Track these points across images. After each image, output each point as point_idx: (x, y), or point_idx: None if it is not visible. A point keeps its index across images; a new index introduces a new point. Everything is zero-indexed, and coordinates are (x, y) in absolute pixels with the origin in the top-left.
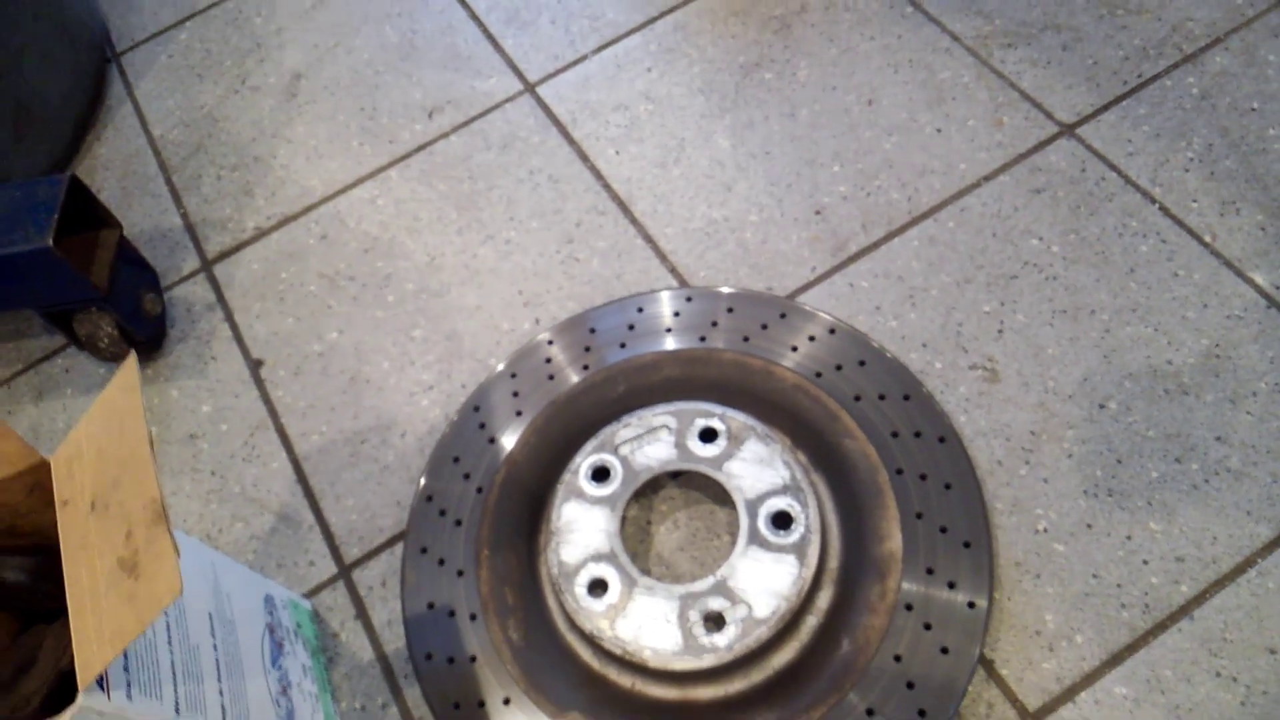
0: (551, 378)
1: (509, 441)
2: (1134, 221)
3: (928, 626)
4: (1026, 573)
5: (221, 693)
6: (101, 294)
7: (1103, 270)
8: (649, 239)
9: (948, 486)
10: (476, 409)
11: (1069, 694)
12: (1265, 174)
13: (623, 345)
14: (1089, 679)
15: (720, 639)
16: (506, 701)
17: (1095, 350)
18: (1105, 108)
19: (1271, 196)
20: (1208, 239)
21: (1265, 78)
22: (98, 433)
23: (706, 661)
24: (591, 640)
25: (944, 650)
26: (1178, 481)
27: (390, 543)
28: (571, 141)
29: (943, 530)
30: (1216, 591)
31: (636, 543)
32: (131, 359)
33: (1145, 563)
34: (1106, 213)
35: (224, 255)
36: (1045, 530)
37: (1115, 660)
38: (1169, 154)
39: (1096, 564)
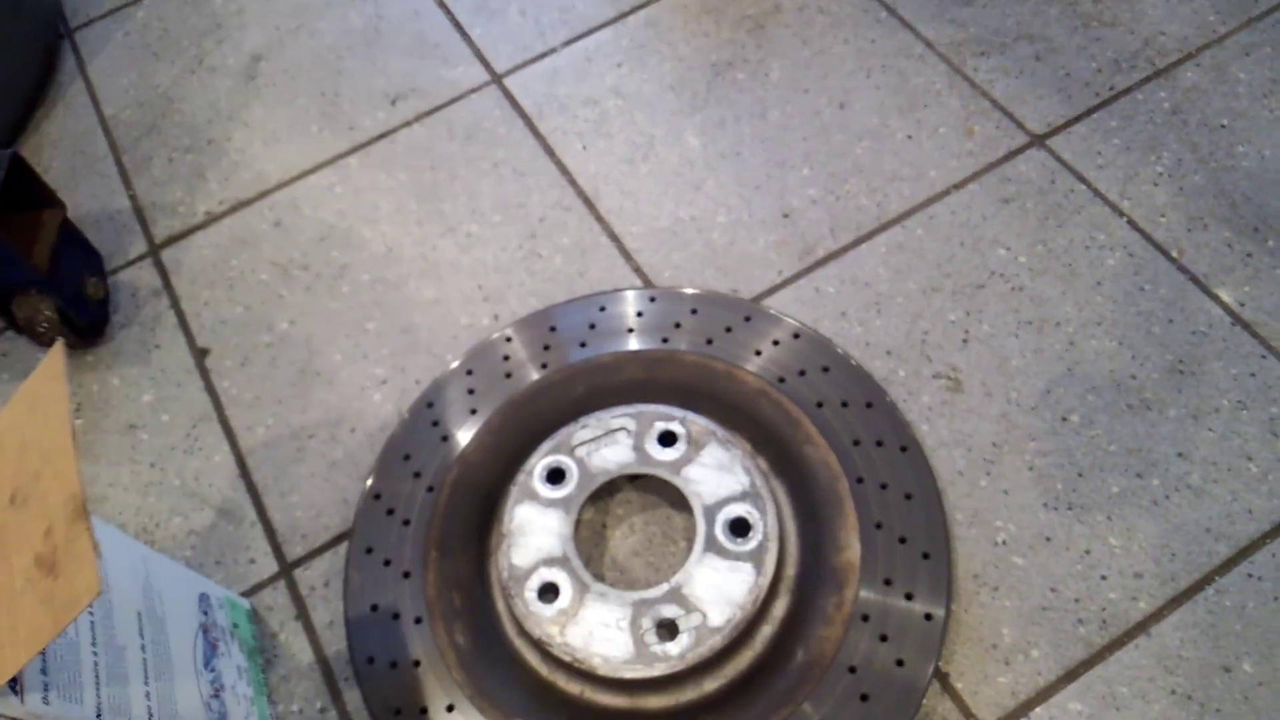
0: (509, 376)
1: (462, 440)
2: (1102, 235)
3: (884, 638)
4: (984, 585)
5: (148, 695)
6: (41, 276)
7: (1069, 282)
8: (614, 237)
9: (908, 496)
10: (430, 405)
11: (1024, 709)
12: (1233, 190)
13: (583, 344)
14: (1044, 694)
15: (673, 647)
16: (450, 708)
17: (1059, 362)
18: (1076, 119)
19: (1239, 214)
20: (1175, 254)
21: (1235, 94)
22: (20, 423)
23: (658, 670)
24: (540, 646)
25: (899, 663)
26: (1138, 496)
27: (335, 541)
28: (538, 135)
29: (902, 541)
30: (1174, 609)
31: (591, 547)
32: (59, 346)
33: (1104, 578)
34: (1075, 225)
35: (173, 240)
36: (1004, 543)
37: (1071, 676)
38: (1139, 168)
39: (1055, 578)
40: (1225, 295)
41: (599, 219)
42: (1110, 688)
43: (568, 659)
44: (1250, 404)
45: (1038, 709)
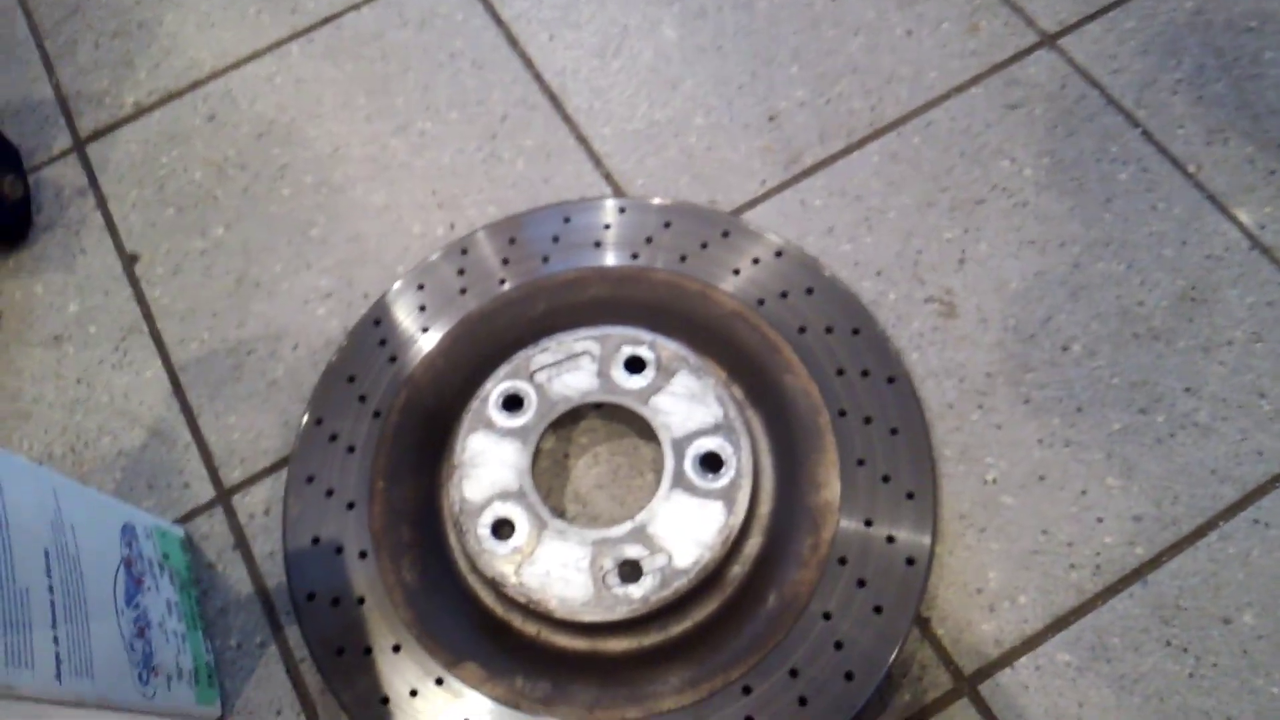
0: (464, 292)
1: (412, 361)
2: (1114, 146)
3: (861, 583)
4: (971, 526)
5: (56, 640)
6: None
7: (1077, 199)
8: (582, 139)
9: (894, 431)
10: (377, 323)
11: (1008, 658)
12: (1257, 101)
13: (545, 259)
14: (1030, 643)
15: (635, 590)
16: (396, 648)
17: (1062, 287)
18: (1090, 17)
19: (1262, 127)
20: (1191, 169)
21: None
22: None
23: (619, 613)
24: (494, 586)
25: (877, 609)
26: (1141, 434)
27: (275, 467)
28: (500, 22)
29: (885, 479)
30: (1173, 555)
31: (551, 477)
32: None
33: (1099, 521)
34: (1085, 135)
35: (99, 134)
36: (994, 481)
37: (1060, 624)
38: (1156, 73)
39: (1047, 520)
40: (1244, 216)
41: (566, 119)
42: (1101, 638)
43: (523, 600)
44: (1266, 336)
45: (1023, 658)
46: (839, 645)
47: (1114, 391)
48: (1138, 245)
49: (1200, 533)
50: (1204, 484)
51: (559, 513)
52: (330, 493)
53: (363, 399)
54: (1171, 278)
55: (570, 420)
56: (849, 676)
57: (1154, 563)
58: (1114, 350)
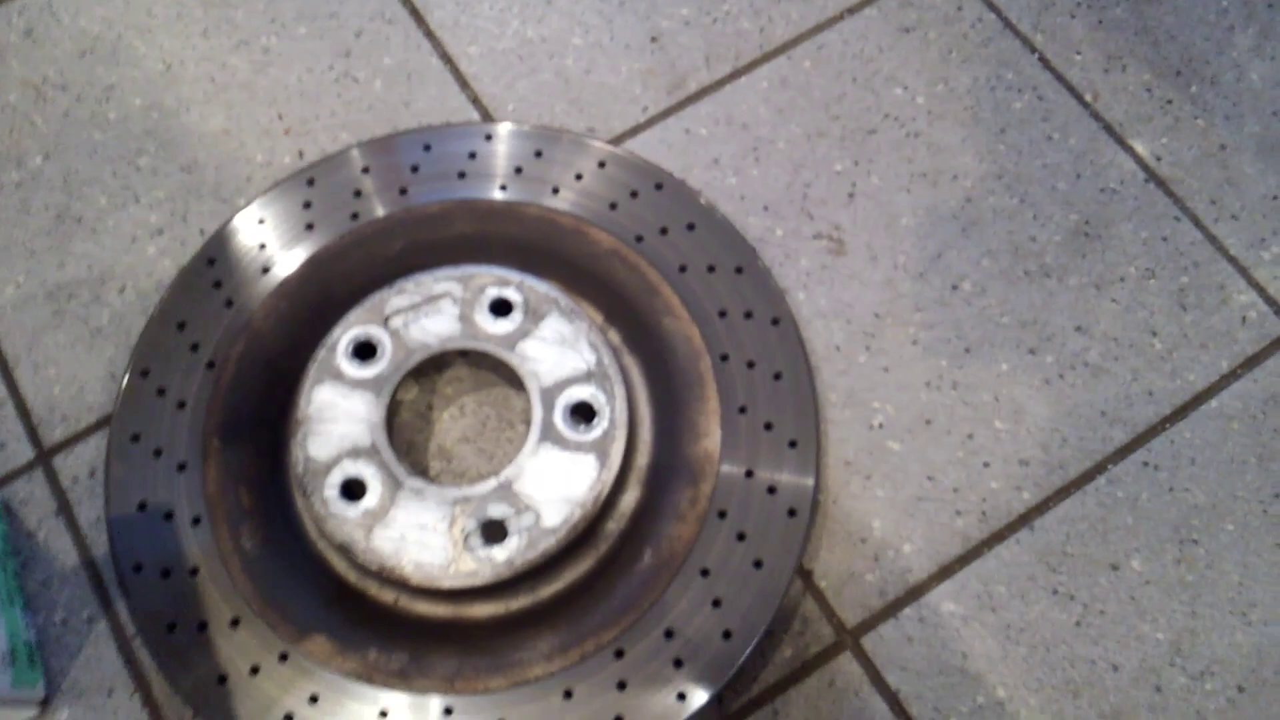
0: (310, 227)
1: (251, 305)
2: (1010, 73)
3: (741, 537)
4: (856, 473)
5: None
6: None
7: (971, 129)
8: (447, 58)
9: (777, 376)
10: (211, 262)
11: (892, 609)
12: (1157, 27)
13: (403, 191)
14: (914, 593)
15: (499, 552)
16: (235, 622)
17: (954, 222)
18: None
19: (1162, 54)
20: (1089, 98)
21: None
22: None
23: (482, 577)
24: (345, 552)
25: (757, 564)
26: (1030, 375)
27: (101, 424)
28: None
29: (768, 427)
30: (1061, 499)
31: (414, 431)
32: None
33: (986, 465)
34: (980, 60)
35: None
36: (881, 426)
37: (945, 573)
38: None
39: (933, 465)
40: (1140, 147)
41: (429, 35)
42: (987, 586)
43: (375, 567)
44: (1159, 272)
45: (907, 609)
46: (717, 603)
47: (1003, 331)
48: (1031, 178)
49: (1088, 476)
50: (1093, 426)
51: (420, 470)
52: (158, 453)
53: (195, 348)
54: (1065, 212)
55: (434, 368)
56: (727, 635)
57: (1041, 508)
58: (1005, 288)
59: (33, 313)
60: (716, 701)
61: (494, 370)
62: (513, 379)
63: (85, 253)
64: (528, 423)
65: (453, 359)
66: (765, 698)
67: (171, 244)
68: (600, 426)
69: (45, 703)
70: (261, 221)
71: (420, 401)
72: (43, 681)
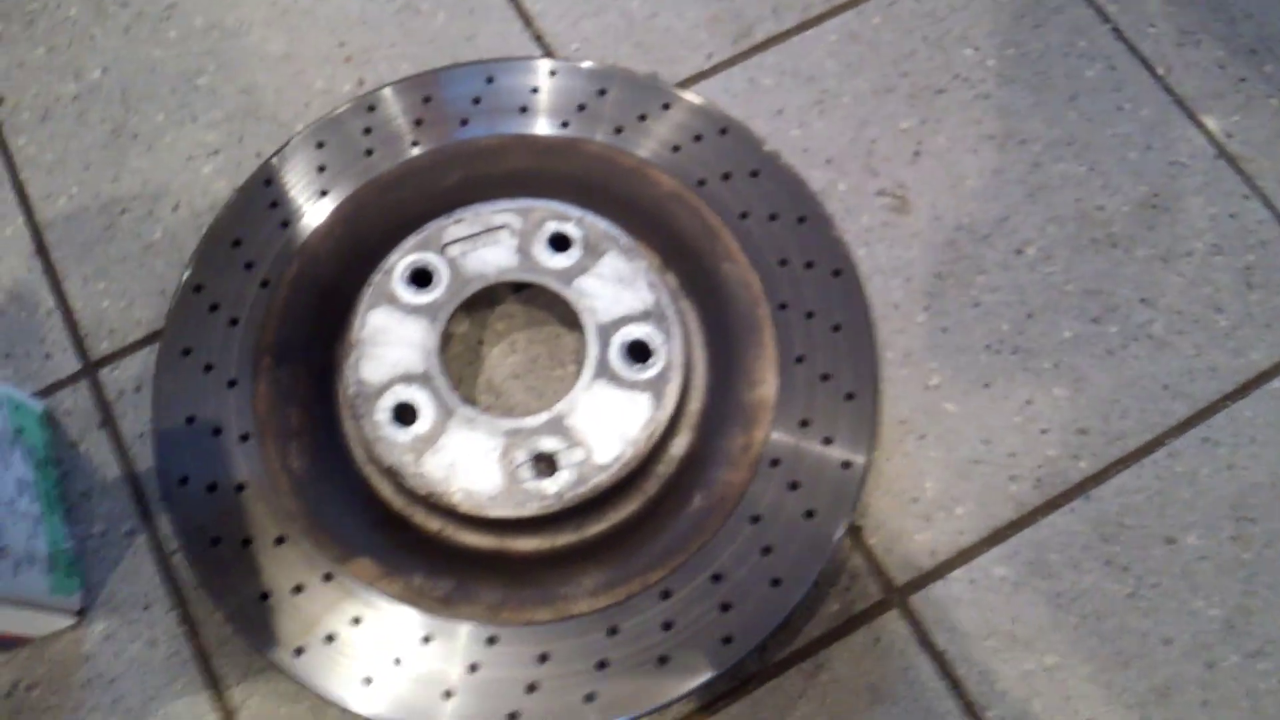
0: (370, 153)
1: (308, 227)
2: (1083, 41)
3: (794, 486)
4: (911, 432)
5: None
6: None
7: (1041, 94)
8: None
9: (836, 328)
10: (269, 183)
11: (942, 570)
12: (1233, 4)
13: (464, 122)
14: (965, 555)
15: (550, 485)
16: (280, 540)
17: (1020, 186)
18: None
19: (1237, 31)
20: (1161, 71)
21: None
22: None
23: (530, 509)
24: (393, 476)
25: (809, 514)
26: (1092, 344)
27: (149, 339)
28: None
29: (825, 378)
30: (1119, 471)
31: (463, 365)
32: None
33: (1044, 432)
34: (1054, 27)
35: None
36: (938, 386)
37: (997, 537)
38: None
39: (989, 429)
40: (1211, 123)
41: None
42: (1040, 553)
43: (424, 492)
44: (1226, 248)
45: (957, 571)
46: (766, 550)
47: (1067, 298)
48: (1101, 147)
49: (1148, 449)
50: (1155, 399)
51: (469, 402)
52: (209, 368)
53: (249, 266)
54: (1134, 183)
55: (486, 304)
56: (775, 583)
57: (1098, 478)
58: (1070, 255)
59: (85, 225)
60: (760, 650)
61: (547, 308)
62: (565, 318)
63: (140, 168)
64: (579, 363)
65: (504, 295)
66: (809, 650)
67: (227, 164)
68: (656, 366)
69: (81, 614)
70: (320, 145)
71: (471, 336)
72: (80, 592)
